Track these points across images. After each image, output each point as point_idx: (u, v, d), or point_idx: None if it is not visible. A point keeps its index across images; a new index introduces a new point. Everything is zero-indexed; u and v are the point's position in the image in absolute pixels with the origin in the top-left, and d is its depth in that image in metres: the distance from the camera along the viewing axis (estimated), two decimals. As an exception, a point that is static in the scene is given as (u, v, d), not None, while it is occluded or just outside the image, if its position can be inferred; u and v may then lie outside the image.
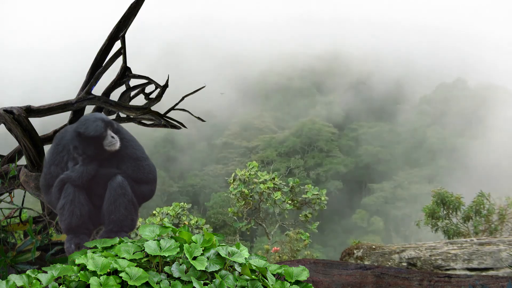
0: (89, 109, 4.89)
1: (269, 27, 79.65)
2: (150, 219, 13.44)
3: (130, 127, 4.33)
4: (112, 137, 3.72)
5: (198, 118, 5.41)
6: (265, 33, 77.57)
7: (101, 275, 2.63)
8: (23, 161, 4.62)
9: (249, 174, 13.20)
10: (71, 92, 4.97)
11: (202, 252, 2.86)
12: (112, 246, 3.06)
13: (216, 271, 2.82)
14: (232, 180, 13.50)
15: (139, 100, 5.17)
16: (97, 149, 3.69)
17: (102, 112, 4.91)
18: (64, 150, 3.82)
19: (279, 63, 70.79)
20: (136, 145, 3.94)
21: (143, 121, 5.21)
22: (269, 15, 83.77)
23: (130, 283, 2.59)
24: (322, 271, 4.16)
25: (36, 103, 4.54)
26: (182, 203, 13.87)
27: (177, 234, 3.12)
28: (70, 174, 3.71)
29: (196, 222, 13.04)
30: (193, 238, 3.02)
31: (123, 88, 5.08)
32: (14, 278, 2.60)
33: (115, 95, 4.97)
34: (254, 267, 2.93)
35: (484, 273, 4.85)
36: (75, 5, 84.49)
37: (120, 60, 4.81)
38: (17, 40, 73.87)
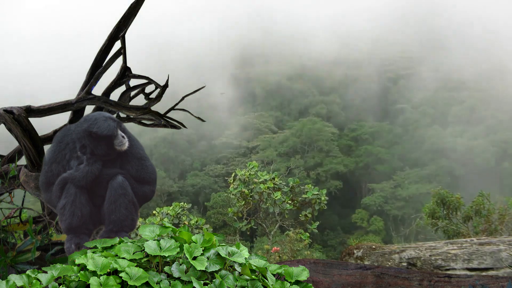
0: (89, 109, 4.88)
1: (270, 26, 79.67)
2: (150, 219, 13.45)
3: (130, 127, 4.32)
4: (122, 136, 3.70)
5: (198, 118, 5.40)
6: (264, 33, 77.58)
7: (101, 275, 2.63)
8: (23, 161, 4.61)
9: (249, 174, 13.21)
10: (71, 92, 4.96)
11: (202, 252, 2.86)
12: (112, 246, 3.06)
13: (216, 271, 2.82)
14: (232, 180, 13.51)
15: (139, 100, 5.16)
16: (107, 148, 3.66)
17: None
18: (67, 148, 3.78)
19: (279, 62, 70.84)
20: (139, 145, 3.93)
21: (143, 121, 5.21)
22: (268, 15, 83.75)
23: (130, 283, 2.59)
24: (322, 271, 4.16)
25: (36, 103, 4.54)
26: (182, 203, 13.87)
27: (177, 234, 3.11)
28: (74, 174, 3.66)
29: (196, 222, 13.04)
30: (193, 238, 3.02)
31: (123, 88, 5.08)
32: (14, 278, 2.59)
33: (115, 95, 4.96)
34: (254, 267, 2.92)
35: (484, 273, 4.84)
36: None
37: (120, 60, 4.80)
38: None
